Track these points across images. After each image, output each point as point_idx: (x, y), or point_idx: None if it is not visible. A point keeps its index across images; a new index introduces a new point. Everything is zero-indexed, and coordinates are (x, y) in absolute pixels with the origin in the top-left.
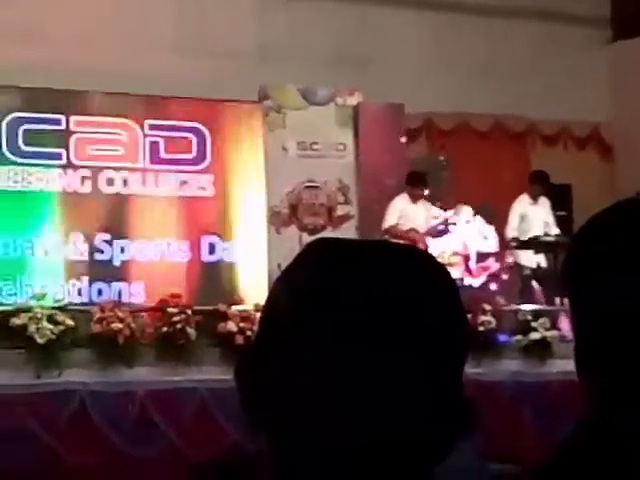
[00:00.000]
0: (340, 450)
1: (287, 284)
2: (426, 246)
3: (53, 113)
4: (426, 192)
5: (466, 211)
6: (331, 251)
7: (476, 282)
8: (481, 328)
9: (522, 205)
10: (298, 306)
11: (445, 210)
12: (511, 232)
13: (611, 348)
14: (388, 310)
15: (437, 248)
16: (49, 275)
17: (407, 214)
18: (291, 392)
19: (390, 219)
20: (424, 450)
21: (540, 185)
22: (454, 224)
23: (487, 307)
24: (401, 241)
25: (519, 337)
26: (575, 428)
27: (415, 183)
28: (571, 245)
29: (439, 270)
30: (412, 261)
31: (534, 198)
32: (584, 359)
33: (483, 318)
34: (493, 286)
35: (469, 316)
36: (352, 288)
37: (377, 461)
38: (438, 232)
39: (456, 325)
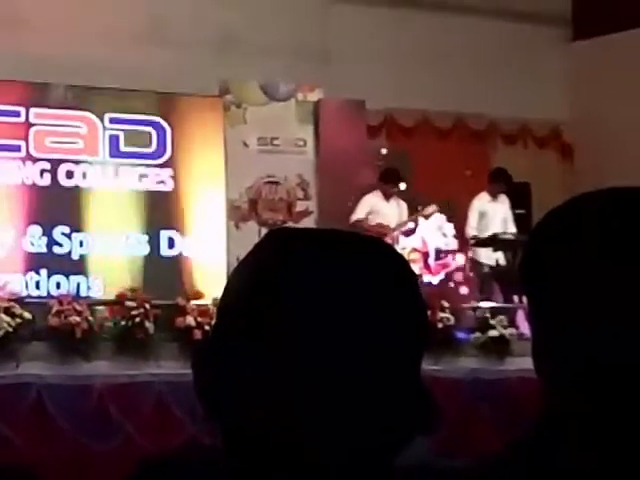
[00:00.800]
0: (299, 449)
1: (242, 274)
2: (394, 241)
3: (13, 105)
4: (402, 188)
5: (432, 209)
6: (287, 240)
7: (435, 279)
8: (440, 325)
9: (481, 202)
10: (252, 296)
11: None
12: (471, 230)
13: (568, 347)
14: (345, 300)
15: (398, 245)
16: (7, 267)
17: (378, 210)
18: (246, 387)
19: (359, 213)
20: (384, 446)
21: (500, 183)
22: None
23: (446, 304)
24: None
25: (477, 334)
26: (529, 425)
27: (389, 180)
28: (527, 242)
29: (400, 260)
30: (370, 250)
31: (494, 196)
32: (542, 356)
33: (442, 315)
34: (451, 283)
35: (428, 313)
36: (308, 278)
37: (339, 459)
38: (408, 230)
39: (417, 317)
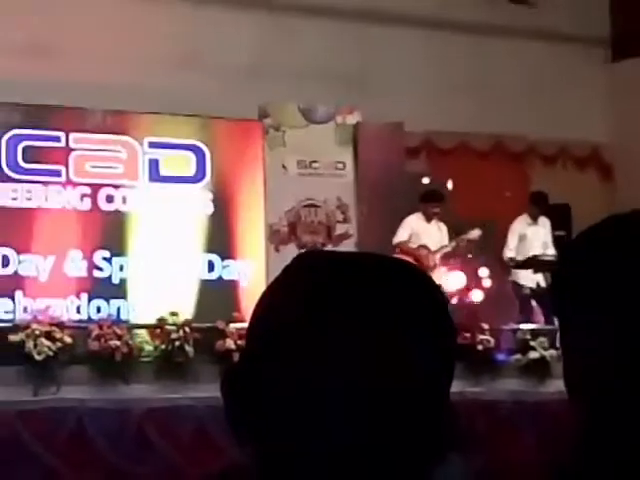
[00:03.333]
0: (332, 468)
1: (271, 297)
2: (435, 264)
3: (53, 130)
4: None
5: (476, 233)
6: (316, 263)
7: (476, 300)
8: (480, 347)
9: (521, 225)
10: (282, 320)
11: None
12: (509, 252)
13: (592, 375)
14: (374, 322)
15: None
16: (48, 292)
17: (420, 232)
18: (277, 412)
19: (401, 235)
20: (414, 466)
21: (539, 206)
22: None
23: (485, 326)
24: (410, 258)
25: (518, 356)
26: (564, 451)
27: (430, 201)
28: (557, 265)
29: (431, 284)
30: (396, 273)
31: (533, 218)
32: (570, 384)
33: (481, 337)
34: (492, 304)
35: (468, 334)
36: (339, 304)
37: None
38: (449, 253)
39: (447, 339)
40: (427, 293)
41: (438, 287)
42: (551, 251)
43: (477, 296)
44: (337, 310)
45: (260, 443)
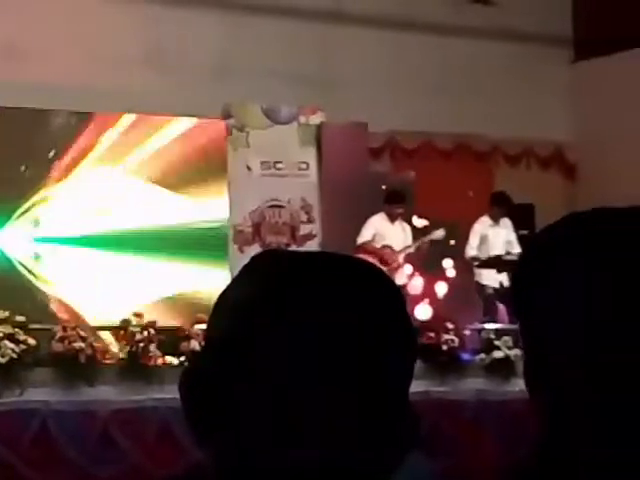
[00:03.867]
0: (287, 470)
1: (229, 296)
2: (399, 264)
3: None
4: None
5: (439, 233)
6: (274, 262)
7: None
8: (444, 347)
9: (483, 226)
10: (240, 318)
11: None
12: (471, 252)
13: (550, 369)
14: (331, 320)
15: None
16: None
17: (384, 232)
18: (235, 410)
19: (364, 235)
20: (374, 464)
21: (501, 207)
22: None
23: (450, 326)
24: (374, 258)
25: (482, 356)
26: (527, 451)
27: (393, 202)
28: (517, 261)
29: (386, 281)
30: (356, 272)
31: (495, 219)
32: (530, 379)
33: (446, 337)
34: (456, 304)
35: (432, 334)
36: (296, 303)
37: (328, 476)
38: (413, 253)
39: (406, 338)
40: (387, 292)
41: (397, 287)
42: (517, 250)
43: (441, 289)
44: (294, 309)
45: (218, 444)
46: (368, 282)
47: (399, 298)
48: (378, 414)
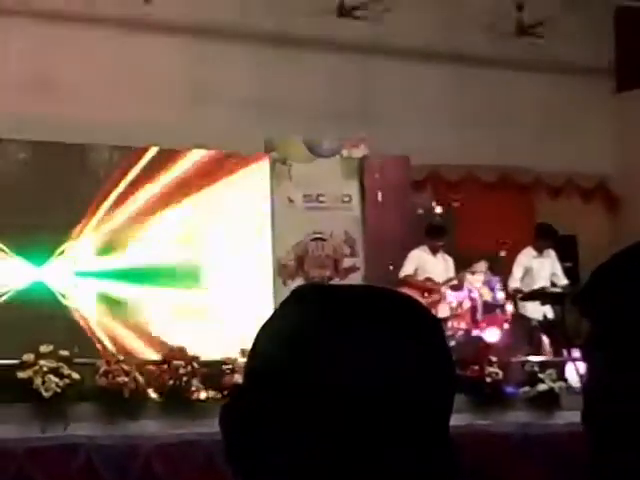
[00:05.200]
0: None
1: (269, 333)
2: (442, 296)
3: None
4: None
5: (481, 266)
6: (313, 298)
7: (483, 333)
8: (488, 379)
9: (527, 258)
10: (280, 356)
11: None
12: (513, 284)
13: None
14: (373, 356)
15: (446, 300)
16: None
17: (426, 265)
18: (275, 449)
19: (407, 269)
20: None
21: (545, 238)
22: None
23: (494, 358)
24: (416, 291)
25: (526, 388)
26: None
27: (434, 235)
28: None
29: (426, 316)
30: (396, 308)
31: (539, 251)
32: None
33: (490, 369)
34: (500, 337)
35: (476, 367)
36: (335, 337)
37: None
38: (455, 285)
39: (446, 375)
40: (426, 326)
41: (436, 319)
42: (563, 282)
43: (492, 335)
44: (333, 346)
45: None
46: (408, 318)
47: (439, 333)
48: (420, 448)
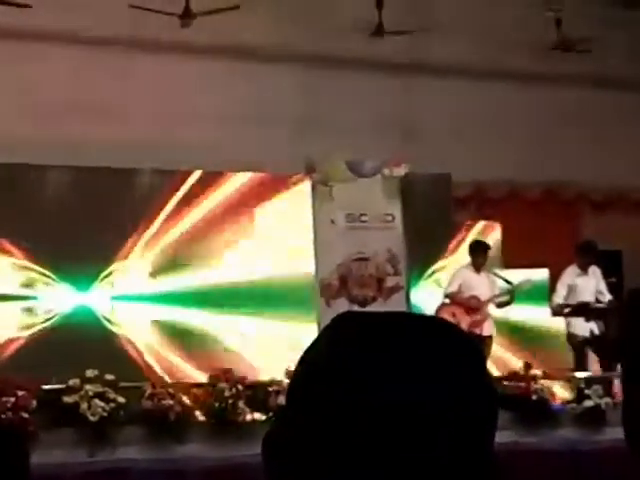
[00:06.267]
0: None
1: (304, 360)
2: (487, 314)
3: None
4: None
5: (527, 283)
6: (348, 327)
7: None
8: (534, 396)
9: (570, 276)
10: (321, 384)
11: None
12: (557, 300)
13: None
14: (413, 385)
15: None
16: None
17: (470, 283)
18: (317, 477)
19: (451, 286)
20: None
21: (588, 255)
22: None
23: (540, 374)
24: (461, 308)
25: (573, 405)
26: None
27: (478, 252)
28: (623, 308)
29: (465, 338)
30: (436, 339)
31: (582, 268)
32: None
33: (536, 386)
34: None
35: (522, 384)
36: (378, 365)
37: None
38: (501, 302)
39: (483, 398)
40: (464, 348)
41: (474, 341)
42: (607, 298)
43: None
44: (370, 378)
45: None
46: (447, 348)
47: (479, 358)
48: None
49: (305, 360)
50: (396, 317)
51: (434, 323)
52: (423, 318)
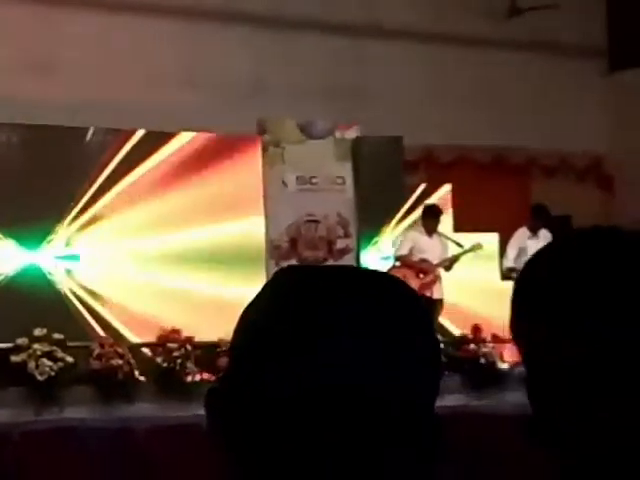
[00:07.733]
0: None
1: (252, 313)
2: (437, 277)
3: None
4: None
5: (476, 245)
6: (296, 278)
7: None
8: (482, 360)
9: (521, 239)
10: (264, 335)
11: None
12: (507, 263)
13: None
14: (358, 335)
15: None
16: None
17: (421, 246)
18: (260, 428)
19: (402, 249)
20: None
21: (540, 219)
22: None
23: (488, 338)
24: (412, 271)
25: (522, 368)
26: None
27: (430, 216)
28: (514, 285)
29: (411, 294)
30: (380, 288)
31: (534, 231)
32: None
33: (484, 350)
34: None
35: (472, 346)
36: (320, 316)
37: None
38: (450, 264)
39: (428, 350)
40: (410, 305)
41: (420, 299)
42: None
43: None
44: (321, 325)
45: (242, 461)
46: (392, 299)
47: (424, 314)
48: (403, 421)
49: (245, 316)
50: (339, 270)
51: (381, 277)
52: (368, 272)
